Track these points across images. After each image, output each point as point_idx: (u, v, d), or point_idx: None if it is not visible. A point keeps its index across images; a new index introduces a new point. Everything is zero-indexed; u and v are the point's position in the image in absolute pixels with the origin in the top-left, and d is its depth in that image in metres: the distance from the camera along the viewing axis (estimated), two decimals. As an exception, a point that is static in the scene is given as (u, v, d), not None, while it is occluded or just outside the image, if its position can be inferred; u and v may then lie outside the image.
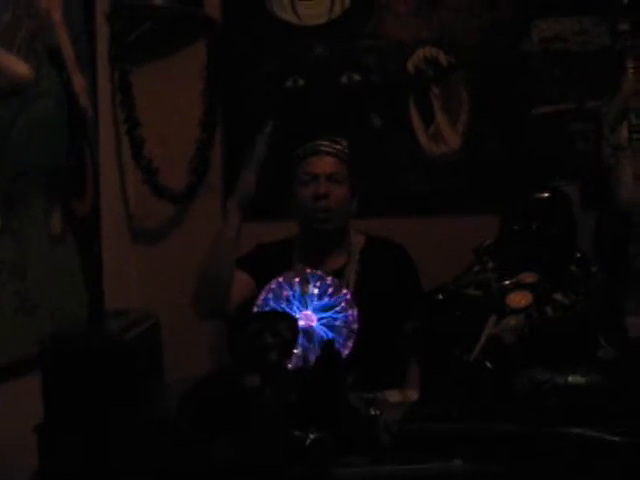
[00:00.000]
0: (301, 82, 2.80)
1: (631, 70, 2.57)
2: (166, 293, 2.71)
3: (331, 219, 2.28)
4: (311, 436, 1.31)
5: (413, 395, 1.72)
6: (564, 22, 2.83)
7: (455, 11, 2.81)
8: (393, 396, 1.80)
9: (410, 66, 2.79)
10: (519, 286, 1.49)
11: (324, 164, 2.31)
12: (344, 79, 2.79)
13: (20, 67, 1.53)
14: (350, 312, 1.66)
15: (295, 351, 1.50)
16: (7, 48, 1.81)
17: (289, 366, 1.46)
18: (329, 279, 1.70)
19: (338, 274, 2.09)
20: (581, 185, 2.58)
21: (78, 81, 2.35)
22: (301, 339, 1.57)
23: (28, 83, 1.59)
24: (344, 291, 1.67)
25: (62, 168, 2.27)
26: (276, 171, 2.62)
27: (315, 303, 1.65)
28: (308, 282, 1.65)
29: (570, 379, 1.35)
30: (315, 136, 2.42)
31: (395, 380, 2.08)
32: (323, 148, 2.32)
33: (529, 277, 1.51)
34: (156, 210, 2.78)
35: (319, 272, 1.70)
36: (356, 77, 2.79)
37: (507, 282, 1.51)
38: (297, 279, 1.66)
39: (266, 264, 2.13)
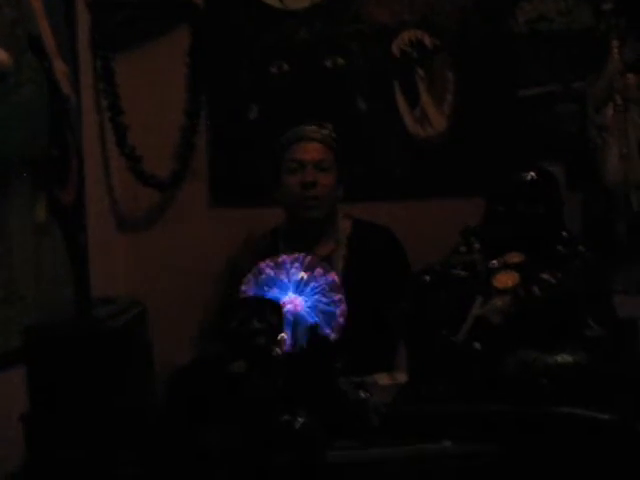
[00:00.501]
0: (285, 67, 2.78)
1: (615, 50, 2.57)
2: (153, 280, 2.70)
3: (319, 207, 2.27)
4: (300, 420, 1.30)
5: (402, 378, 1.72)
6: (548, 2, 2.82)
7: (439, -7, 2.79)
8: (382, 379, 1.81)
9: (395, 49, 2.78)
10: (505, 266, 1.49)
11: (311, 151, 2.29)
12: (328, 63, 2.78)
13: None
14: (337, 296, 1.65)
15: (282, 336, 1.50)
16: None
17: (277, 351, 1.45)
18: (315, 263, 1.68)
19: (326, 260, 2.08)
20: (567, 165, 2.58)
21: (60, 68, 2.33)
22: (288, 324, 1.56)
23: (7, 70, 1.57)
24: (331, 274, 1.67)
25: (45, 157, 2.25)
26: (262, 156, 2.64)
27: (301, 287, 1.64)
28: (294, 266, 1.63)
29: (558, 358, 1.35)
30: (301, 121, 2.41)
31: (384, 363, 2.08)
32: (309, 134, 2.30)
33: (515, 257, 1.50)
34: (141, 197, 2.76)
35: (305, 256, 1.69)
36: (340, 61, 2.78)
37: (494, 262, 1.51)
38: (283, 264, 1.64)
39: (257, 257, 2.11)
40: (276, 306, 1.49)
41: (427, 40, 2.79)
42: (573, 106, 2.75)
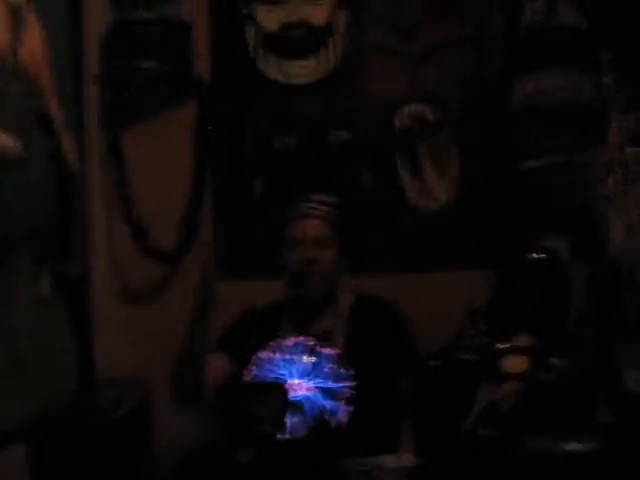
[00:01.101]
0: (290, 141, 2.81)
1: (614, 125, 2.60)
2: (157, 353, 2.67)
3: (319, 284, 2.27)
4: (306, 510, 1.28)
5: (409, 460, 1.69)
6: (548, 76, 2.86)
7: (440, 68, 2.84)
8: (389, 462, 1.77)
9: (397, 123, 2.81)
10: (514, 350, 1.48)
11: (310, 228, 2.30)
12: (333, 137, 2.81)
13: (7, 141, 1.53)
14: (344, 383, 1.63)
15: (288, 421, 1.48)
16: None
17: (281, 437, 1.43)
18: (319, 347, 1.68)
19: (327, 335, 2.07)
20: (572, 238, 2.58)
21: (66, 143, 2.36)
22: (293, 408, 1.54)
23: (18, 158, 1.59)
24: (335, 353, 1.65)
25: (51, 231, 2.27)
26: (268, 230, 2.65)
27: (306, 371, 1.62)
28: (298, 350, 1.62)
29: (569, 447, 1.33)
30: (304, 195, 2.42)
31: (389, 443, 2.04)
32: (309, 211, 2.31)
33: (523, 340, 1.49)
34: (146, 268, 2.76)
35: (310, 341, 1.68)
36: (345, 135, 2.81)
37: (501, 346, 1.50)
38: (287, 347, 1.63)
39: (255, 329, 2.11)
40: (281, 389, 1.48)
41: (429, 114, 2.82)
42: (576, 178, 2.76)
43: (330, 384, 1.61)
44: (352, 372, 1.69)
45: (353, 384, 1.67)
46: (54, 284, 2.26)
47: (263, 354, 1.64)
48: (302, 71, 2.83)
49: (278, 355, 1.62)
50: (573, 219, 2.69)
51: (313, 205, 2.31)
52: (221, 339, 2.27)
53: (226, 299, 2.70)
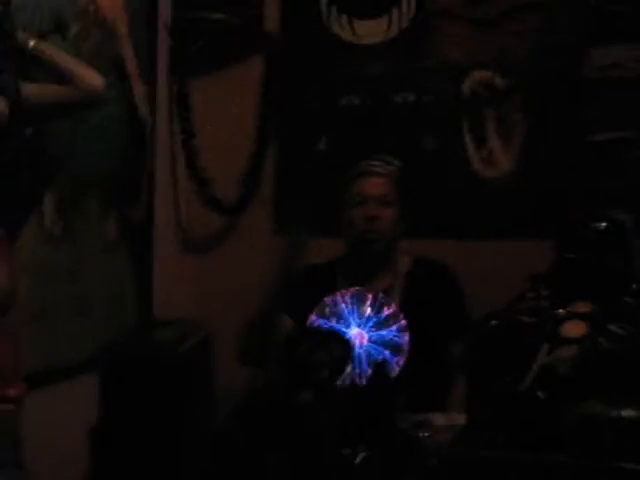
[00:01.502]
0: (356, 100, 2.82)
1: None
2: (215, 303, 2.73)
3: (380, 241, 2.28)
4: (361, 455, 1.31)
5: (458, 418, 1.71)
6: (621, 49, 2.81)
7: (512, 34, 2.80)
8: (438, 419, 1.80)
9: (465, 88, 2.79)
10: (573, 315, 1.48)
11: (374, 186, 2.31)
12: (398, 99, 2.80)
13: (94, 79, 1.57)
14: (403, 335, 1.66)
15: (347, 369, 1.51)
16: (76, 57, 1.86)
17: (340, 384, 1.46)
18: (384, 300, 1.70)
19: (384, 294, 2.09)
20: (637, 214, 2.54)
21: (139, 91, 2.41)
22: (352, 357, 1.57)
23: (102, 96, 1.63)
24: (398, 315, 1.67)
25: (120, 175, 2.32)
26: (329, 187, 2.66)
27: (368, 323, 1.65)
28: (362, 302, 1.65)
29: (623, 413, 1.34)
30: (368, 155, 2.43)
31: (438, 402, 2.07)
32: (374, 169, 2.32)
33: (584, 307, 1.49)
34: (208, 220, 2.81)
35: (373, 293, 1.71)
36: (411, 97, 2.80)
37: (561, 311, 1.50)
38: (350, 298, 1.66)
39: (314, 285, 2.13)
40: (342, 339, 1.51)
41: (498, 81, 2.79)
42: (644, 154, 2.71)
43: (388, 336, 1.63)
44: (408, 327, 1.70)
45: (409, 339, 1.68)
46: (119, 227, 2.32)
47: (325, 302, 1.67)
48: (371, 31, 2.83)
49: (339, 304, 1.65)
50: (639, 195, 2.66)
51: (377, 163, 2.32)
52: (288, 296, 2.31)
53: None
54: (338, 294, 1.69)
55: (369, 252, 2.30)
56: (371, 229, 2.26)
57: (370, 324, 1.64)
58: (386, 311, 1.66)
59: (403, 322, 1.67)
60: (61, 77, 1.55)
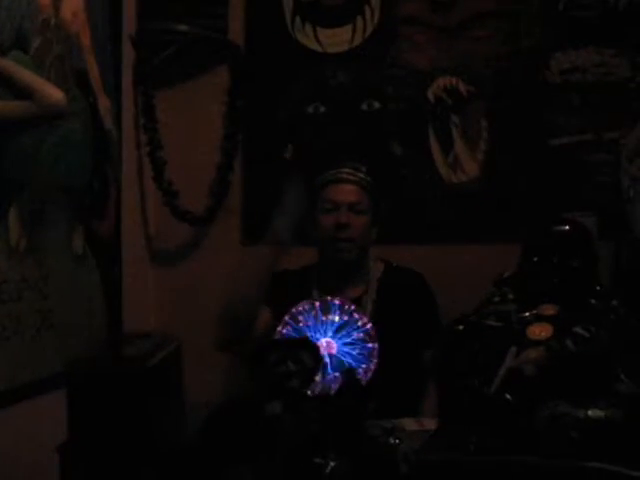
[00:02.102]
0: (322, 109, 2.83)
1: (650, 104, 2.59)
2: (184, 315, 2.73)
3: (351, 249, 2.29)
4: (331, 464, 1.31)
5: (430, 424, 1.72)
6: (583, 54, 2.85)
7: (474, 41, 2.83)
8: (409, 425, 1.80)
9: (430, 95, 2.81)
10: (539, 318, 1.50)
11: (346, 193, 2.31)
12: (364, 106, 2.82)
13: (54, 93, 1.56)
14: (370, 342, 1.67)
15: (316, 379, 1.51)
16: (37, 71, 1.85)
17: (310, 393, 1.46)
18: (351, 307, 1.70)
19: (356, 303, 2.09)
20: (599, 216, 2.58)
21: (103, 103, 2.39)
22: (321, 367, 1.57)
23: (62, 110, 1.62)
24: (366, 322, 1.68)
25: (86, 189, 2.31)
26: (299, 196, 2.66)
27: (335, 331, 1.65)
28: (329, 310, 1.65)
29: (590, 413, 1.36)
30: (336, 162, 2.44)
31: (410, 409, 2.08)
32: (345, 176, 2.32)
33: (549, 309, 1.51)
34: (176, 232, 2.80)
35: (340, 300, 1.71)
36: (376, 104, 2.82)
37: (527, 314, 1.52)
38: (318, 307, 1.67)
39: (283, 292, 2.14)
40: (312, 347, 1.51)
41: (462, 87, 2.82)
42: (606, 157, 2.76)
43: (359, 345, 1.64)
44: (379, 335, 1.70)
45: (378, 346, 1.69)
46: (87, 241, 2.30)
47: (295, 311, 1.67)
48: (336, 39, 2.84)
49: (310, 313, 1.65)
50: (602, 197, 2.70)
51: (348, 170, 2.33)
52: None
53: (253, 264, 2.76)
54: (307, 302, 1.69)
55: (341, 260, 2.30)
56: (342, 237, 2.27)
57: (339, 332, 1.64)
58: (355, 319, 1.66)
59: (372, 329, 1.68)
60: (20, 92, 1.54)
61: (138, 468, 1.32)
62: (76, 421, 1.34)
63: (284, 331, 1.65)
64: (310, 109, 2.83)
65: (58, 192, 2.14)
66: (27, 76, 1.59)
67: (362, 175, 2.33)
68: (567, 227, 1.63)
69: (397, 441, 1.46)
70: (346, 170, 2.33)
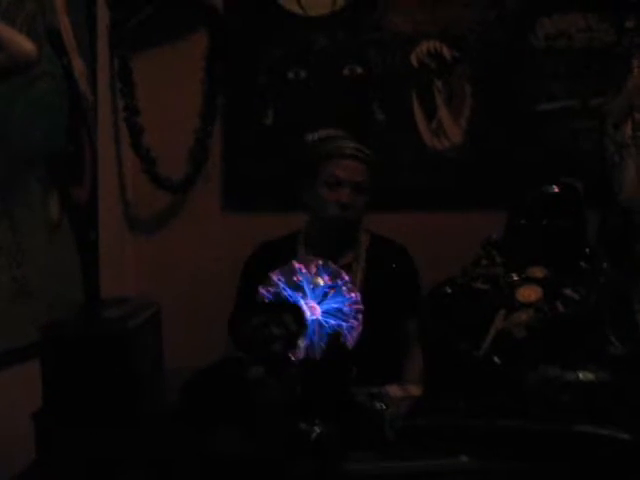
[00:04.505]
0: (303, 74, 2.77)
1: (636, 68, 2.55)
2: (162, 282, 2.68)
3: (349, 226, 2.25)
4: (316, 430, 1.28)
5: (414, 390, 1.69)
6: (569, 19, 2.81)
7: (459, 5, 2.78)
8: (394, 391, 1.77)
9: (413, 59, 2.77)
10: (528, 280, 1.47)
11: (351, 170, 2.22)
12: (346, 71, 2.77)
13: (25, 44, 1.49)
14: (357, 306, 1.63)
15: (300, 343, 1.47)
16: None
17: (293, 358, 1.42)
18: (338, 271, 1.66)
19: (345, 270, 2.05)
20: (584, 182, 2.55)
21: (78, 66, 2.32)
22: (305, 331, 1.54)
23: (33, 61, 1.55)
24: (351, 284, 1.64)
25: (61, 153, 2.24)
26: (276, 162, 2.63)
27: (321, 293, 1.61)
28: (315, 272, 1.61)
29: (580, 376, 1.33)
30: (315, 129, 2.38)
31: (393, 376, 2.06)
32: (352, 152, 2.23)
33: (538, 271, 1.48)
34: (153, 199, 2.75)
35: (327, 262, 1.67)
36: (359, 70, 2.76)
37: (516, 276, 1.49)
38: (303, 269, 1.62)
39: (272, 262, 2.09)
40: (295, 311, 1.47)
41: (446, 52, 2.77)
42: (591, 123, 2.73)
43: (345, 308, 1.60)
44: (365, 303, 1.66)
45: (363, 318, 1.65)
46: (62, 207, 2.24)
47: (279, 275, 1.63)
48: (318, 2, 2.78)
49: (295, 277, 1.60)
50: (586, 163, 2.67)
51: (355, 146, 2.23)
52: (242, 275, 2.28)
53: (232, 231, 2.72)
54: (292, 264, 1.64)
55: (335, 233, 2.26)
56: (343, 216, 2.21)
57: (323, 295, 1.60)
58: (339, 281, 1.62)
59: (356, 293, 1.64)
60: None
61: (117, 431, 1.28)
62: (50, 387, 1.29)
63: (267, 294, 1.60)
64: (291, 74, 2.78)
65: (32, 156, 2.07)
66: (-4, 26, 1.52)
67: (368, 152, 2.25)
68: (556, 188, 1.60)
69: (383, 406, 1.43)
70: (352, 145, 2.24)
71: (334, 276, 1.61)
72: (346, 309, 1.59)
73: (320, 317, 1.58)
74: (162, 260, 2.74)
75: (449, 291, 1.47)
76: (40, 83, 2.01)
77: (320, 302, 1.58)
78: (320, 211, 2.26)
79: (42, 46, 2.05)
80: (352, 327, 1.61)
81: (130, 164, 2.72)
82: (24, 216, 2.04)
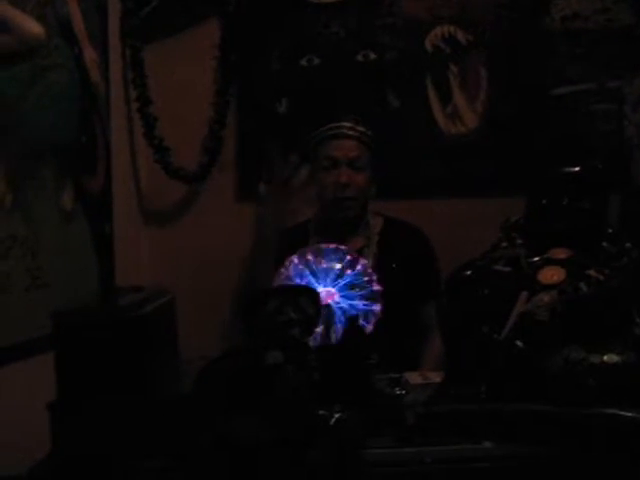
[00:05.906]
0: (316, 60, 2.74)
1: (655, 49, 2.52)
2: (177, 272, 2.66)
3: (352, 207, 2.24)
4: (336, 415, 1.26)
5: (434, 377, 1.67)
6: (584, 1, 2.77)
7: (473, -12, 2.74)
8: (413, 378, 1.75)
9: (428, 44, 2.73)
10: (550, 262, 1.44)
11: (345, 149, 2.23)
12: (360, 57, 2.73)
13: (32, 26, 1.47)
14: (376, 287, 1.60)
15: (319, 326, 1.45)
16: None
17: (311, 342, 1.40)
18: (355, 256, 1.64)
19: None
20: (603, 165, 2.52)
21: (89, 55, 2.30)
22: (323, 315, 1.51)
23: (40, 43, 1.53)
24: (369, 269, 1.62)
25: (74, 143, 2.22)
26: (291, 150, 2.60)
27: (338, 278, 1.59)
28: (332, 257, 1.59)
29: (605, 358, 1.30)
30: (330, 116, 2.36)
31: (411, 362, 2.04)
32: (344, 131, 2.23)
33: (561, 252, 1.45)
34: (168, 189, 2.73)
35: (345, 248, 1.64)
36: (372, 55, 2.73)
37: (537, 258, 1.46)
38: (321, 253, 1.60)
39: (289, 248, 2.07)
40: (313, 296, 1.45)
41: (460, 36, 2.74)
42: (609, 105, 2.69)
43: (362, 292, 1.58)
44: (382, 284, 1.64)
45: (382, 294, 1.63)
46: (76, 198, 2.23)
47: (296, 259, 1.60)
48: (331, -12, 2.74)
49: (311, 261, 1.58)
50: (604, 146, 2.63)
51: (347, 125, 2.23)
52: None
53: (247, 220, 2.70)
54: (307, 250, 1.62)
55: (342, 217, 2.25)
56: (343, 196, 2.21)
57: (341, 280, 1.58)
58: (358, 267, 1.59)
59: (375, 277, 1.61)
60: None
61: (132, 418, 1.26)
62: (65, 375, 1.27)
63: (283, 278, 1.57)
64: (304, 61, 2.75)
65: (44, 146, 2.05)
66: (5, 9, 1.50)
67: (362, 129, 2.24)
68: (577, 168, 1.56)
69: (403, 392, 1.40)
70: (344, 124, 2.24)
71: (350, 261, 1.58)
72: (363, 293, 1.57)
73: (337, 301, 1.56)
74: (176, 250, 2.73)
75: (469, 274, 1.44)
76: (52, 74, 2.00)
77: (336, 287, 1.56)
78: (322, 195, 2.24)
79: (53, 35, 2.04)
80: (371, 311, 1.58)
81: (144, 154, 2.70)
82: (38, 207, 2.03)
